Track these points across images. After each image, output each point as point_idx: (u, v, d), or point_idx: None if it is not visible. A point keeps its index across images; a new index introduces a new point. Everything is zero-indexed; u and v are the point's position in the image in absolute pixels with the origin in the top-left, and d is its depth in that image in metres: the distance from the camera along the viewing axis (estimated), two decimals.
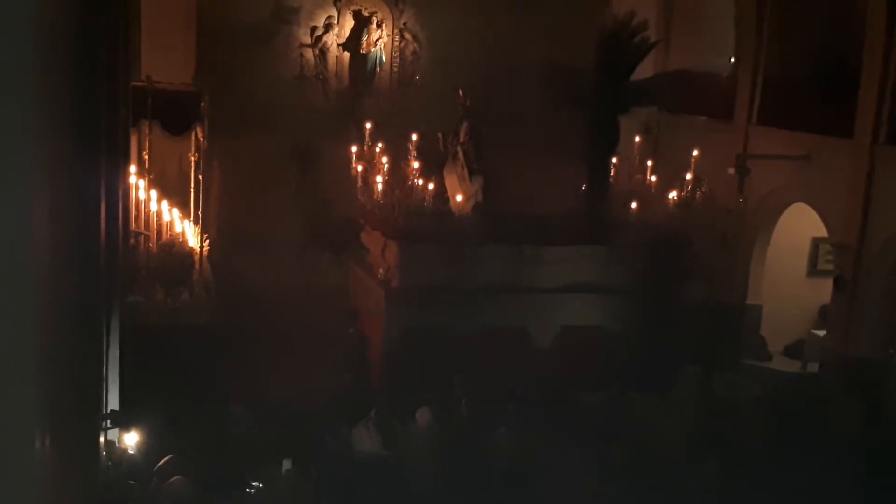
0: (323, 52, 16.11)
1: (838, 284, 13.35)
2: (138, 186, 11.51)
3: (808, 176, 13.90)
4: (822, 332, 14.37)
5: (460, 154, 12.93)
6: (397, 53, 16.41)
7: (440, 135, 13.27)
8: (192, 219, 12.09)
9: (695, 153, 13.36)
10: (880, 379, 11.81)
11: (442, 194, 12.97)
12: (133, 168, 10.94)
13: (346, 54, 16.18)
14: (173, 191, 12.54)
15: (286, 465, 8.49)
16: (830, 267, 14.13)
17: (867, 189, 12.90)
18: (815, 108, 13.95)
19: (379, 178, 12.87)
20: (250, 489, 8.06)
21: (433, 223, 12.54)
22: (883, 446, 9.60)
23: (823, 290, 14.25)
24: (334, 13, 16.09)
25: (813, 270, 15.27)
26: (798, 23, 14.68)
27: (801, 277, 15.30)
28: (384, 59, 16.31)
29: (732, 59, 15.90)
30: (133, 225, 11.08)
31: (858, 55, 13.09)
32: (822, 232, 14.25)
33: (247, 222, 14.97)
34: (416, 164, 13.05)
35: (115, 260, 7.98)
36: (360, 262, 13.63)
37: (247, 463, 8.55)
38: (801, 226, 14.82)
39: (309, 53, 16.06)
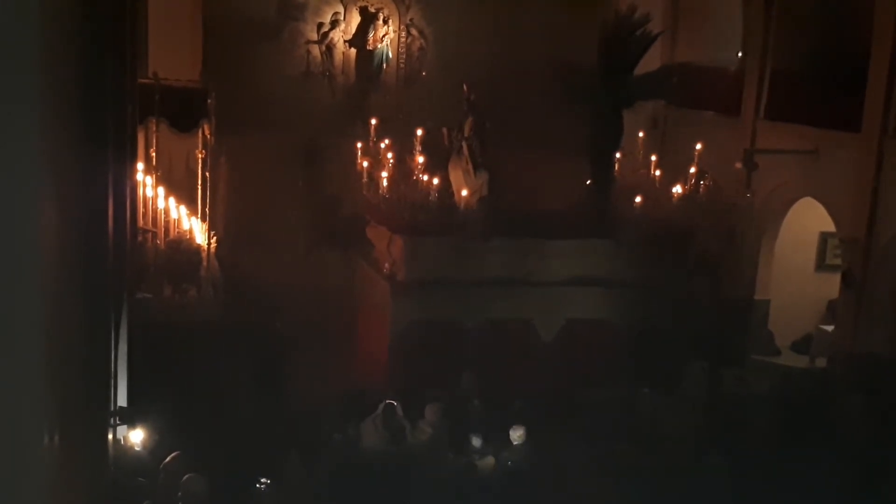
0: (329, 48, 16.10)
1: (846, 279, 13.31)
2: (145, 183, 11.53)
3: (816, 170, 13.86)
4: (830, 327, 14.34)
5: (465, 149, 12.92)
6: (404, 49, 16.39)
7: (445, 130, 13.26)
8: (199, 215, 12.11)
9: (698, 147, 13.33)
10: (888, 374, 11.77)
11: (447, 189, 12.96)
12: (140, 165, 10.95)
13: (353, 50, 16.16)
14: (180, 188, 12.57)
15: (294, 460, 8.51)
16: (839, 262, 14.09)
17: (875, 183, 12.87)
18: (824, 102, 13.91)
19: (384, 174, 12.89)
20: (259, 485, 8.08)
21: (438, 218, 12.55)
22: (891, 442, 9.57)
23: (831, 285, 14.22)
24: (341, 9, 16.08)
25: (821, 265, 15.24)
26: (806, 16, 14.63)
27: (809, 272, 15.28)
28: (390, 55, 16.30)
29: (740, 54, 15.85)
30: (140, 222, 11.11)
31: (867, 49, 13.03)
32: (831, 227, 14.21)
33: (254, 218, 14.99)
34: (421, 159, 13.06)
35: (122, 257, 8.00)
36: (365, 257, 13.66)
37: (255, 459, 8.57)
38: (809, 220, 14.79)
39: (315, 50, 16.06)
